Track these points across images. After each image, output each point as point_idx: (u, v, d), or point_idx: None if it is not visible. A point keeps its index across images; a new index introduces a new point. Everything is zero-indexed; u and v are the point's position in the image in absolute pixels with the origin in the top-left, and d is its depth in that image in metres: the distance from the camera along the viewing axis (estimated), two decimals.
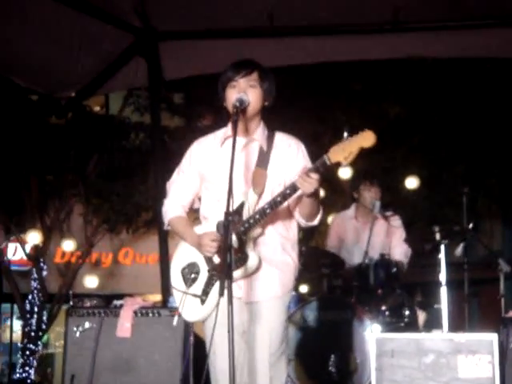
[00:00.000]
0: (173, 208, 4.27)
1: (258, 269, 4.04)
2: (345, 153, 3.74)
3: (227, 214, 3.59)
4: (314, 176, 3.80)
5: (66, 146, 11.87)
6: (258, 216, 3.97)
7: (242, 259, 3.98)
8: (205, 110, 11.99)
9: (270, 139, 4.17)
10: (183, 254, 4.23)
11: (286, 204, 4.03)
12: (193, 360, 5.71)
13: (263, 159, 4.12)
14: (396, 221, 7.27)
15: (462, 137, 11.57)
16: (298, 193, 3.90)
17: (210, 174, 4.17)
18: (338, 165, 3.79)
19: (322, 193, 9.52)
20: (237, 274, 3.95)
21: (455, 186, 9.27)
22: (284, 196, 3.92)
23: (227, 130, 4.15)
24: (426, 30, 7.48)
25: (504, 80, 10.95)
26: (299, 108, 11.26)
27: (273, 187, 4.07)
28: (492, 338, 5.21)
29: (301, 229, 4.29)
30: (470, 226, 6.84)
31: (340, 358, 6.16)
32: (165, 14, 7.37)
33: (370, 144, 3.75)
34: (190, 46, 7.77)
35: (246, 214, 4.00)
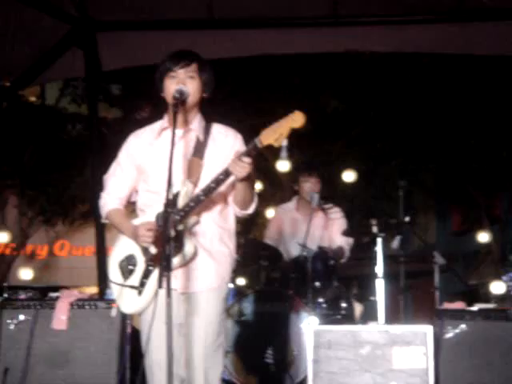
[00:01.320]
0: (110, 201, 4.25)
1: (193, 258, 4.02)
2: (275, 134, 3.79)
3: (166, 204, 3.58)
4: (246, 160, 3.82)
5: (0, 137, 11.69)
6: (192, 203, 3.96)
7: (177, 248, 3.96)
8: (143, 102, 11.93)
9: (207, 130, 4.17)
10: (121, 248, 4.19)
11: (222, 192, 4.04)
12: (130, 352, 5.67)
13: (199, 149, 4.11)
14: (335, 213, 7.30)
15: (399, 131, 11.71)
16: (232, 178, 3.91)
17: (147, 166, 4.15)
18: (269, 147, 3.83)
19: (259, 185, 9.58)
20: (172, 262, 3.94)
21: (391, 180, 9.36)
22: (217, 181, 3.92)
23: (163, 121, 4.15)
24: (363, 25, 7.54)
25: (440, 75, 11.11)
26: (238, 101, 11.27)
27: (208, 177, 4.07)
28: (426, 329, 5.28)
29: (239, 220, 4.29)
30: (406, 219, 6.90)
31: (277, 350, 6.17)
32: (103, 4, 7.29)
33: (299, 124, 3.80)
34: (128, 36, 7.70)
35: (180, 203, 3.98)
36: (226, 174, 3.89)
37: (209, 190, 3.94)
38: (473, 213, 14.77)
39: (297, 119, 3.80)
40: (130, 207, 4.38)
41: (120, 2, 7.19)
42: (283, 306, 6.34)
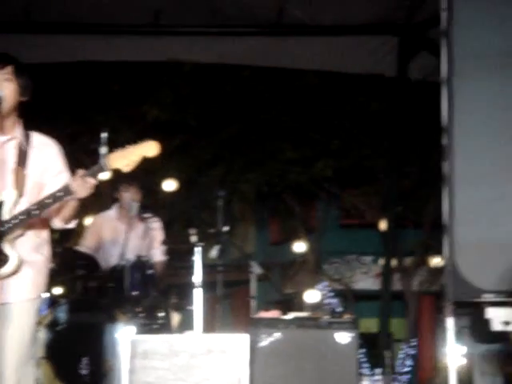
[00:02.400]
0: None
1: (17, 271, 3.92)
2: (126, 160, 3.77)
3: None
4: (91, 181, 3.78)
5: None
6: (22, 217, 3.86)
7: (2, 261, 3.85)
8: None
9: (27, 138, 4.06)
10: None
11: None
12: None
13: (22, 158, 4.01)
14: (155, 223, 7.29)
15: (219, 141, 11.84)
16: (71, 196, 3.84)
17: None
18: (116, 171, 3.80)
19: None
20: None
21: (212, 190, 9.44)
22: (55, 198, 3.84)
23: None
24: (185, 35, 7.59)
25: (266, 86, 11.33)
26: (56, 107, 11.05)
27: (31, 187, 3.98)
28: (242, 338, 5.36)
29: (56, 229, 4.21)
30: (225, 229, 6.99)
31: (92, 361, 6.09)
32: None
33: (153, 154, 3.80)
34: None
35: (5, 214, 3.86)
36: (67, 191, 3.82)
37: (44, 206, 3.86)
38: (290, 223, 15.13)
39: (151, 149, 3.79)
40: None
41: None
42: (99, 315, 6.27)
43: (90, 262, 6.79)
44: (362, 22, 7.49)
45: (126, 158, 3.78)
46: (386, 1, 7.28)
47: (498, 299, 5.53)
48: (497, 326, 5.04)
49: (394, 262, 11.12)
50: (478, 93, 6.22)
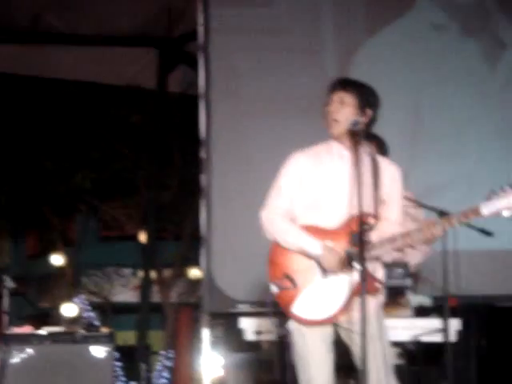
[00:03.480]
0: None
1: None
2: None
3: None
4: None
5: None
6: None
7: None
8: None
9: None
10: None
11: None
12: None
13: None
14: None
15: None
16: None
17: None
18: None
19: None
20: None
21: None
22: None
23: None
24: None
25: (24, 95, 11.04)
26: None
27: None
28: None
29: None
30: None
31: None
32: None
33: None
34: None
35: None
36: None
37: None
38: (47, 235, 14.81)
39: None
40: None
41: None
42: None
43: None
44: (122, 33, 7.47)
45: None
46: (146, 13, 7.30)
47: (250, 310, 5.67)
48: (249, 335, 5.15)
49: (153, 274, 11.17)
50: (235, 108, 6.36)
